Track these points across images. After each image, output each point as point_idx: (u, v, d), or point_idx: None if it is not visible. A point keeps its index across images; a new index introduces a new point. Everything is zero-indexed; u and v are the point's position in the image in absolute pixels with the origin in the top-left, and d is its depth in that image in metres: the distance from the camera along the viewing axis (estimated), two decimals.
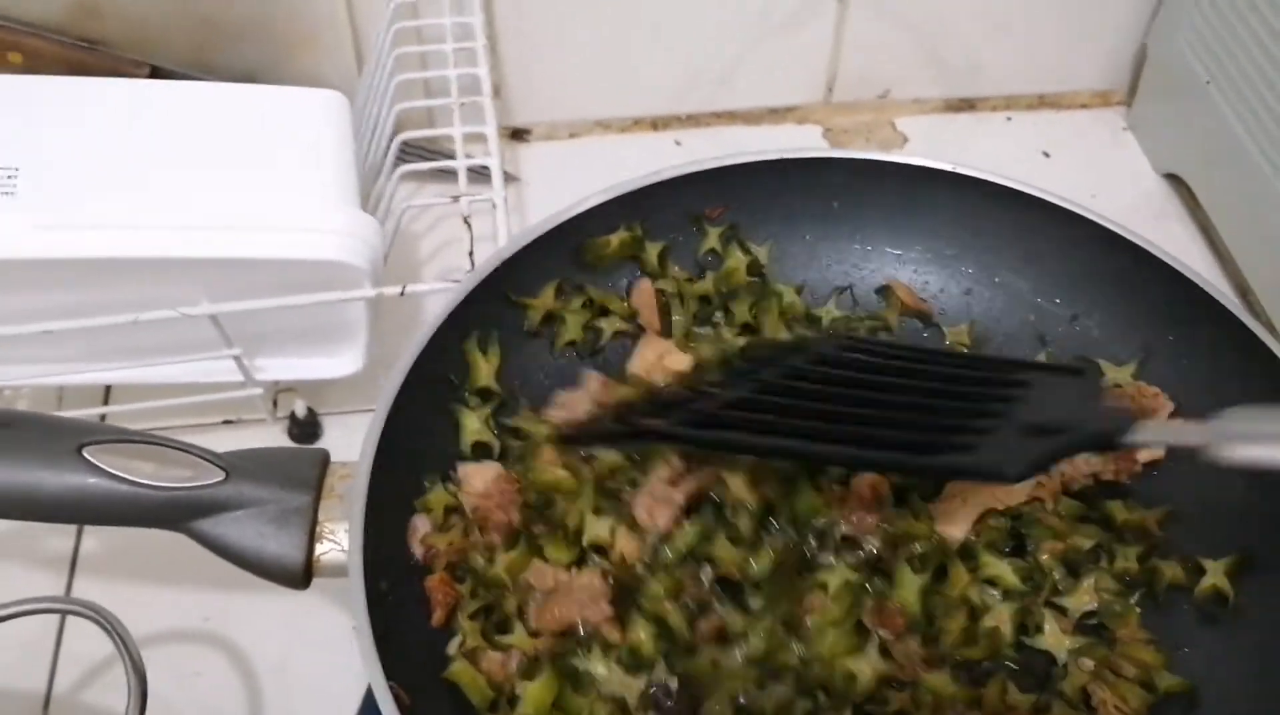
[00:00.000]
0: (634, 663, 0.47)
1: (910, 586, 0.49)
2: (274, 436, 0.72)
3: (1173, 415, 0.55)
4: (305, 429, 0.72)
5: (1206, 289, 0.54)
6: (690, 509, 0.50)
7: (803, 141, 0.89)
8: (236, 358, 0.65)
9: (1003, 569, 0.51)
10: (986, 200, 0.59)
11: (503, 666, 0.47)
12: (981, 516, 0.52)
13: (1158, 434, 0.44)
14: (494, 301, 0.55)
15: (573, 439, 0.52)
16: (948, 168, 0.59)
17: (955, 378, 0.48)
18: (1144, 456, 0.55)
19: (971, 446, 0.41)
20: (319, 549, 0.47)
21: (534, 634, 0.48)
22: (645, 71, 0.87)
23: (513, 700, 0.47)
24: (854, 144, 0.90)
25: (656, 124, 0.90)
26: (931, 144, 0.91)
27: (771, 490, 0.50)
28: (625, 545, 0.49)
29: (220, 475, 0.47)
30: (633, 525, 0.50)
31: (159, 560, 0.67)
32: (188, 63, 0.79)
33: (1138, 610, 0.51)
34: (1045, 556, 0.52)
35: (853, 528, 0.51)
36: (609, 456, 0.52)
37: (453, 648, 0.48)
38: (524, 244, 0.55)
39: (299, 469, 0.48)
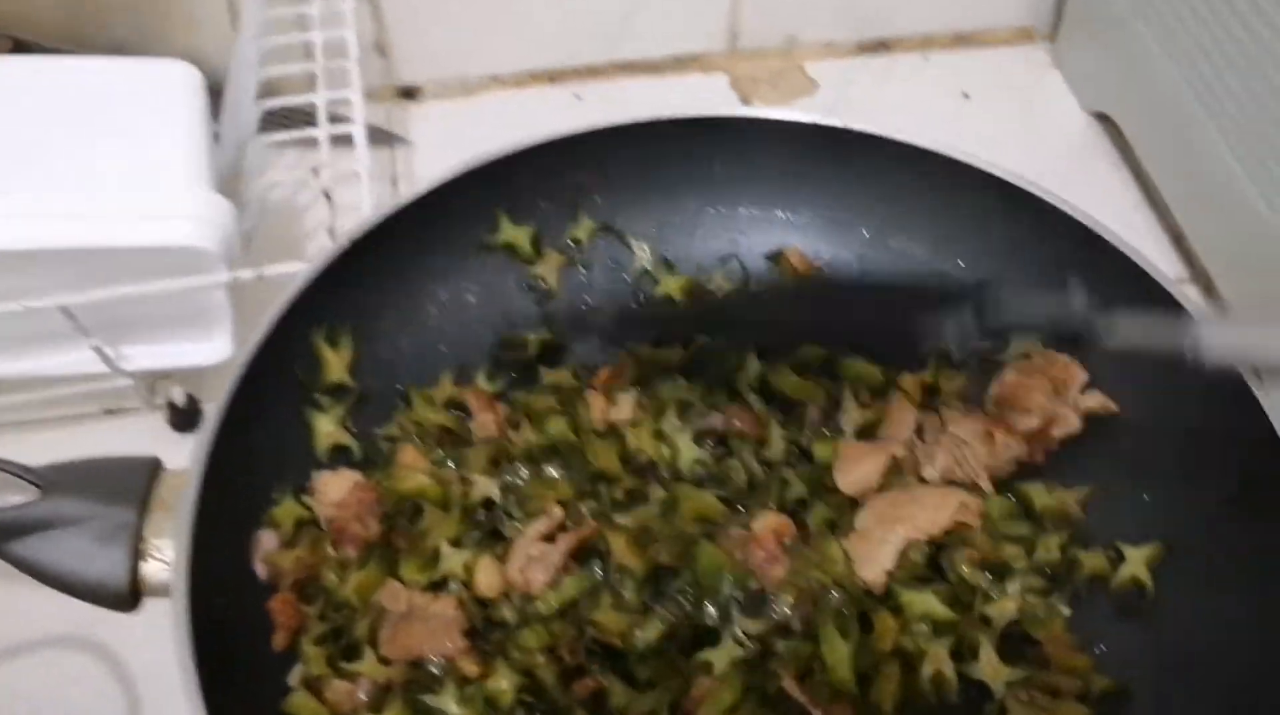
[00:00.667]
0: (489, 709, 0.44)
1: (839, 652, 0.45)
2: (154, 425, 0.69)
3: (1085, 388, 0.52)
4: (185, 416, 0.69)
5: (1120, 248, 0.51)
6: (575, 559, 0.47)
7: (707, 92, 0.85)
8: (97, 348, 0.62)
9: (930, 604, 0.47)
10: (881, 157, 0.55)
11: (350, 696, 0.44)
12: (903, 551, 0.48)
13: (1140, 333, 0.42)
14: (345, 287, 0.51)
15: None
16: (836, 124, 0.55)
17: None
18: (1060, 432, 0.52)
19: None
20: (145, 567, 0.43)
21: (385, 661, 0.45)
22: (540, 22, 0.82)
23: None
24: (762, 92, 0.86)
25: (554, 77, 0.86)
26: (844, 89, 0.87)
27: (667, 551, 0.47)
28: (486, 581, 0.46)
29: (35, 492, 0.43)
30: (501, 558, 0.47)
31: None
32: (59, 36, 0.74)
33: (1064, 612, 0.48)
34: (966, 569, 0.48)
35: (759, 583, 0.47)
36: (483, 485, 0.49)
37: (294, 677, 0.44)
38: (375, 224, 0.50)
39: (124, 480, 0.45)
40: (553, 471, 0.50)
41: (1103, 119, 0.86)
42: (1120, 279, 0.51)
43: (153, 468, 0.46)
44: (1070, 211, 0.51)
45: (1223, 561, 0.46)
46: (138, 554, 0.43)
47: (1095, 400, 0.51)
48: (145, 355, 0.66)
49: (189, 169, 0.58)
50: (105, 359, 0.63)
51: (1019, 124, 0.86)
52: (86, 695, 0.64)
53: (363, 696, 0.44)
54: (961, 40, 0.91)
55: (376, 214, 0.51)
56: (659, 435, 0.51)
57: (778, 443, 0.52)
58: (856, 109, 0.85)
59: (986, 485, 0.50)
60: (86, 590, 0.43)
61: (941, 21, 0.88)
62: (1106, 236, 0.52)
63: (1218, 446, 0.47)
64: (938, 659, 0.46)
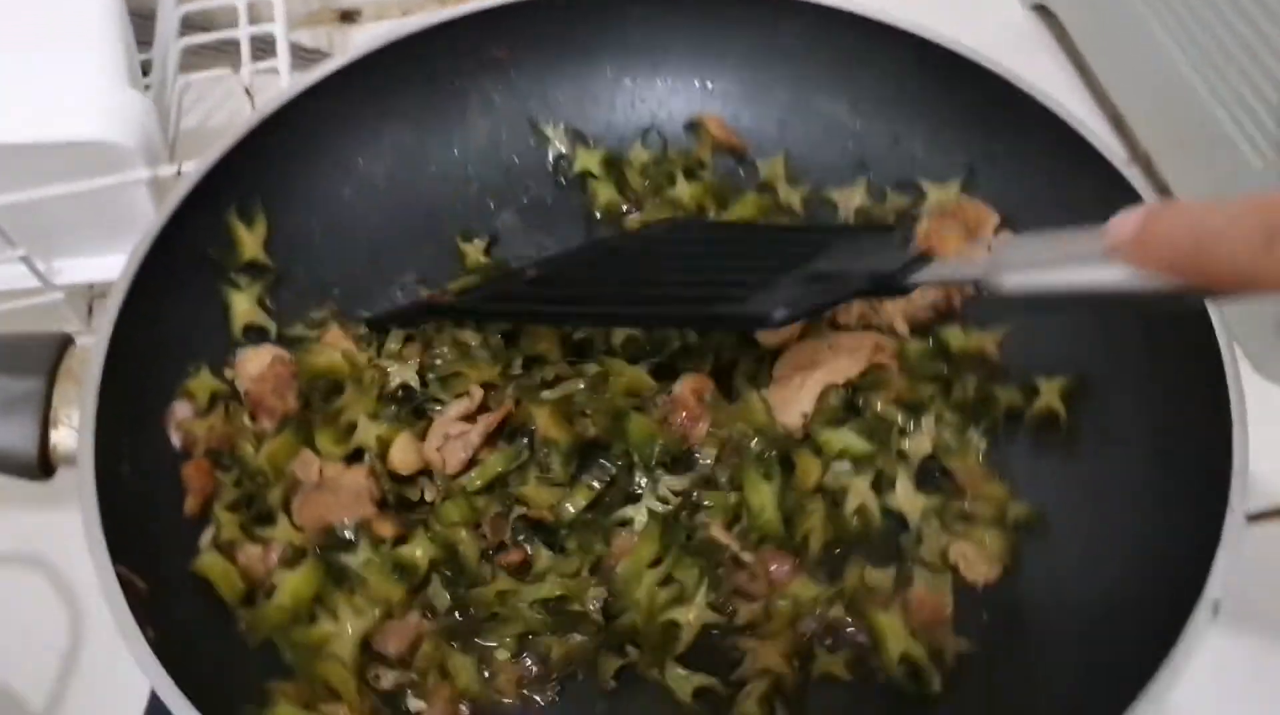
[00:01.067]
0: (401, 573, 0.44)
1: (763, 496, 0.45)
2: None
3: (999, 228, 0.51)
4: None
5: (1032, 94, 0.51)
6: (500, 437, 0.47)
7: None
8: (25, 259, 0.61)
9: (848, 439, 0.47)
10: (797, 21, 0.54)
11: (262, 560, 0.44)
12: (821, 395, 0.48)
13: (938, 273, 0.41)
14: (260, 166, 0.51)
15: (377, 322, 0.50)
16: None
17: (749, 243, 0.47)
18: None
19: (741, 297, 0.40)
20: (55, 436, 0.43)
21: (298, 529, 0.45)
22: None
23: (270, 592, 0.43)
24: None
25: None
26: None
27: (597, 424, 0.47)
28: (401, 457, 0.46)
29: None
30: (419, 434, 0.47)
31: None
32: None
33: (979, 445, 0.48)
34: (882, 406, 0.48)
35: (685, 441, 0.47)
36: (399, 370, 0.49)
37: (205, 539, 0.44)
38: (283, 103, 0.50)
39: (32, 352, 0.44)
40: (480, 352, 0.50)
41: (1042, 11, 0.85)
42: (1036, 129, 0.51)
43: (62, 341, 0.46)
44: (986, 64, 0.51)
45: (1132, 392, 0.46)
46: (47, 422, 0.43)
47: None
48: (76, 268, 0.65)
49: (105, 67, 0.57)
50: (34, 271, 0.62)
51: (959, 17, 0.85)
52: (30, 609, 0.64)
53: (274, 559, 0.43)
54: None
55: (290, 90, 0.51)
56: None
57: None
58: None
59: (902, 328, 0.50)
60: None
61: None
62: (1024, 88, 0.51)
63: None
64: (860, 492, 0.46)
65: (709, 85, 0.57)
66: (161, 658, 0.36)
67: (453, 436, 0.47)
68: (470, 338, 0.50)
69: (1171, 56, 0.71)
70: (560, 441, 0.46)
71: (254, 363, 0.49)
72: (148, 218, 0.61)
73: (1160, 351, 0.45)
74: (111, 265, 0.65)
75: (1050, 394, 0.49)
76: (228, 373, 0.49)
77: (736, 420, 0.47)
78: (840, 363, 0.47)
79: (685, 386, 0.48)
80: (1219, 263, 0.29)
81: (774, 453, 0.46)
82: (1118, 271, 0.32)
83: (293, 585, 0.43)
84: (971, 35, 0.82)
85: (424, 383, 0.49)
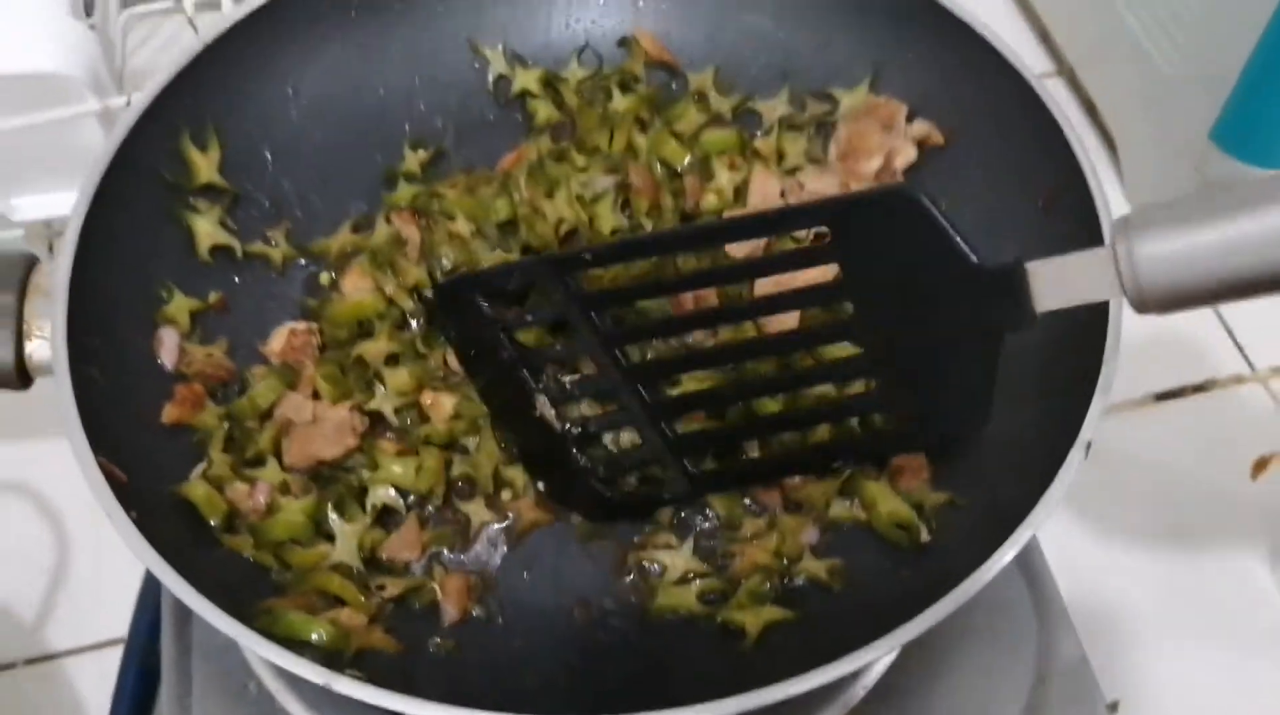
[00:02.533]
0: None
1: (770, 408, 0.48)
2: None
3: (910, 118, 0.55)
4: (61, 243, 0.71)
5: (943, 2, 0.53)
6: None
7: None
8: None
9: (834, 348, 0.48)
10: None
11: (249, 497, 0.47)
12: None
13: (1064, 295, 0.35)
14: (206, 92, 0.53)
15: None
16: None
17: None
18: (900, 162, 0.55)
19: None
20: (29, 347, 0.46)
21: (287, 469, 0.48)
22: None
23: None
24: None
25: None
26: None
27: None
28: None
29: None
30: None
31: None
32: None
33: None
34: None
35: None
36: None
37: (196, 473, 0.47)
38: (225, 28, 0.52)
39: (1, 271, 0.46)
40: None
41: None
42: (945, 34, 0.54)
43: (28, 260, 0.48)
44: None
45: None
46: (20, 334, 0.46)
47: (922, 129, 0.54)
48: (32, 205, 0.67)
49: (49, 1, 0.59)
50: None
51: None
52: (17, 531, 0.67)
53: (261, 499, 0.46)
54: None
55: (231, 16, 0.52)
56: (580, 201, 0.54)
57: (669, 209, 0.55)
58: None
59: None
60: None
61: None
62: (949, 5, 0.54)
63: (1030, 162, 0.50)
64: None
65: (639, 4, 0.59)
66: (145, 534, 0.39)
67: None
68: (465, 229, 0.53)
69: None
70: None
71: (275, 340, 0.51)
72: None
73: (1057, 232, 0.49)
74: (68, 201, 0.67)
75: None
76: (262, 351, 0.52)
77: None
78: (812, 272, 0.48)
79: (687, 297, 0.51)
80: None
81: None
82: None
83: (290, 513, 0.46)
84: None
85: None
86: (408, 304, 0.52)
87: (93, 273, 0.47)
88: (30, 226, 0.68)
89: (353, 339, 0.52)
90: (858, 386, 0.47)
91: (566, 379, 0.50)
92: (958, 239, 0.37)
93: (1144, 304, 0.29)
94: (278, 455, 0.48)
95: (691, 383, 0.48)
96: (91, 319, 0.46)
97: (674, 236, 0.53)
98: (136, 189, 0.50)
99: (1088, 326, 0.44)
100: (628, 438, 0.48)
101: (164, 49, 0.76)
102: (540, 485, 0.48)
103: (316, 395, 0.50)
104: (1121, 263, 0.29)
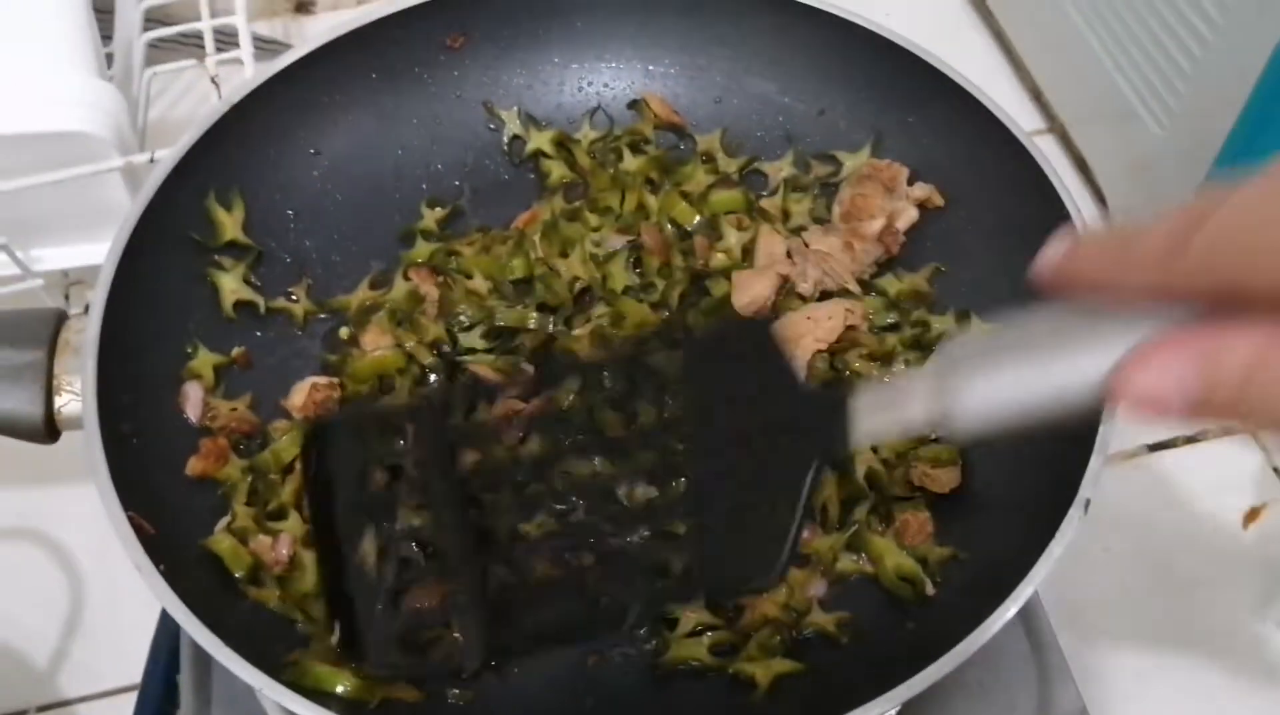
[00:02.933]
0: None
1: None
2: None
3: (912, 181, 0.57)
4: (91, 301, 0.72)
5: (939, 67, 0.56)
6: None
7: None
8: (4, 247, 0.64)
9: None
10: (725, 5, 0.59)
11: (272, 550, 0.48)
12: (809, 362, 0.52)
13: (884, 413, 0.35)
14: (231, 150, 0.54)
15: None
16: None
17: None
18: (903, 223, 0.57)
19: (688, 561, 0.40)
20: (58, 401, 0.47)
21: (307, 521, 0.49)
22: None
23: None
24: None
25: None
26: None
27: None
28: None
29: None
30: None
31: None
32: None
33: None
34: (859, 364, 0.53)
35: None
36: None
37: (220, 525, 0.48)
38: (249, 91, 0.54)
39: (30, 327, 0.48)
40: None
41: None
42: (944, 98, 0.56)
43: (58, 316, 0.49)
44: (900, 41, 0.56)
45: None
46: (51, 389, 0.47)
47: (923, 191, 0.56)
48: (54, 256, 0.69)
49: (74, 60, 0.61)
50: (14, 259, 0.65)
51: None
52: (30, 582, 0.67)
53: (284, 552, 0.48)
54: None
55: (255, 79, 0.54)
56: (594, 260, 0.56)
57: (679, 268, 0.56)
58: None
59: (854, 287, 0.56)
60: (5, 425, 0.47)
61: None
62: (936, 64, 0.56)
63: (1025, 220, 0.52)
64: (866, 458, 0.50)
65: (650, 69, 0.61)
66: (174, 587, 0.41)
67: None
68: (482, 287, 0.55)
69: (1082, 34, 0.76)
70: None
71: (297, 394, 0.53)
72: (123, 205, 0.64)
73: None
74: (88, 253, 0.68)
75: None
76: (284, 404, 0.53)
77: None
78: (821, 329, 0.52)
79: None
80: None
81: None
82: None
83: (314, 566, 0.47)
84: (904, 13, 0.88)
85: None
86: (427, 359, 0.53)
87: (121, 329, 0.48)
88: (49, 276, 0.69)
89: (374, 394, 0.53)
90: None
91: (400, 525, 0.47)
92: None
93: (952, 428, 0.31)
94: (299, 508, 0.50)
95: (532, 528, 0.45)
96: (120, 375, 0.47)
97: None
98: (163, 248, 0.52)
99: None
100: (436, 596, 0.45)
101: (183, 98, 0.78)
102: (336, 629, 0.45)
103: None
104: (938, 396, 0.31)
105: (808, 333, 0.52)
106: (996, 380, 0.29)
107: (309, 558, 0.48)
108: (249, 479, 0.50)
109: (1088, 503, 0.43)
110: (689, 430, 0.40)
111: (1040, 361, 0.28)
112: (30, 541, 0.69)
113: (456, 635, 0.44)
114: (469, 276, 0.56)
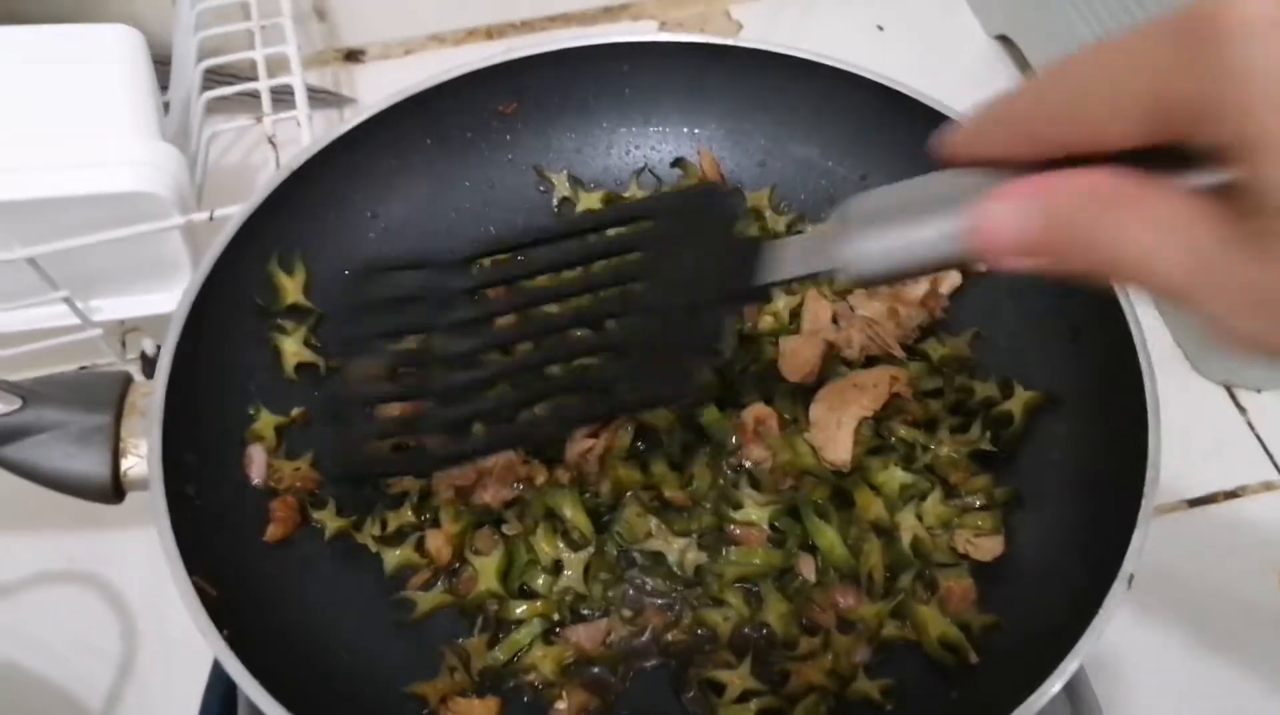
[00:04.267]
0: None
1: (829, 536, 0.51)
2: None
3: None
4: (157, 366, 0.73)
5: None
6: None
7: (638, 33, 0.89)
8: (67, 300, 0.66)
9: (901, 477, 0.52)
10: (769, 72, 0.60)
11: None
12: (856, 430, 0.53)
13: (791, 270, 0.38)
14: (291, 215, 0.56)
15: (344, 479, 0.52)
16: (729, 42, 0.60)
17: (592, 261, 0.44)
18: (946, 288, 0.57)
19: (618, 380, 0.41)
20: (125, 463, 0.49)
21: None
22: None
23: None
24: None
25: (491, 33, 0.91)
26: (766, 29, 0.92)
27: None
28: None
29: (18, 402, 0.48)
30: None
31: (16, 507, 0.68)
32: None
33: (965, 450, 0.54)
34: (904, 430, 0.54)
35: (748, 456, 0.53)
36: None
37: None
38: (308, 158, 0.55)
39: (99, 390, 0.50)
40: None
41: (1004, 41, 0.92)
42: None
43: (125, 379, 0.51)
44: (936, 106, 0.57)
45: (1068, 397, 0.53)
46: (117, 452, 0.49)
47: None
48: (113, 306, 0.70)
49: (137, 122, 0.62)
50: (75, 311, 0.67)
51: (928, 49, 0.92)
52: (85, 624, 0.69)
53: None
54: None
55: (313, 146, 0.56)
56: None
57: (729, 332, 0.57)
58: None
59: (899, 353, 0.56)
60: (73, 486, 0.48)
61: None
62: None
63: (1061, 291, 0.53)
64: (910, 526, 0.51)
65: (696, 132, 0.63)
66: (238, 653, 0.42)
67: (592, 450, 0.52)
68: None
69: None
70: (664, 425, 0.52)
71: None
72: (180, 257, 0.66)
73: (1087, 361, 0.52)
74: (146, 303, 0.70)
75: (1018, 402, 0.55)
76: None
77: (787, 452, 0.52)
78: (867, 397, 0.53)
79: (751, 412, 0.54)
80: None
81: (824, 496, 0.52)
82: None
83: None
84: (941, 64, 0.90)
85: None
86: None
87: (185, 393, 0.50)
88: (107, 325, 0.71)
89: None
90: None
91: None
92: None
93: (850, 278, 0.34)
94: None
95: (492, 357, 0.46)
96: (184, 438, 0.49)
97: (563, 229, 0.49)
98: (226, 313, 0.53)
99: (1126, 460, 0.46)
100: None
101: (238, 149, 0.80)
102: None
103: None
104: (837, 250, 0.34)
105: (854, 401, 0.53)
106: (883, 234, 0.32)
107: None
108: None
109: (1131, 577, 0.43)
110: (628, 280, 0.42)
111: (919, 217, 0.32)
112: (84, 584, 0.70)
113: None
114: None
